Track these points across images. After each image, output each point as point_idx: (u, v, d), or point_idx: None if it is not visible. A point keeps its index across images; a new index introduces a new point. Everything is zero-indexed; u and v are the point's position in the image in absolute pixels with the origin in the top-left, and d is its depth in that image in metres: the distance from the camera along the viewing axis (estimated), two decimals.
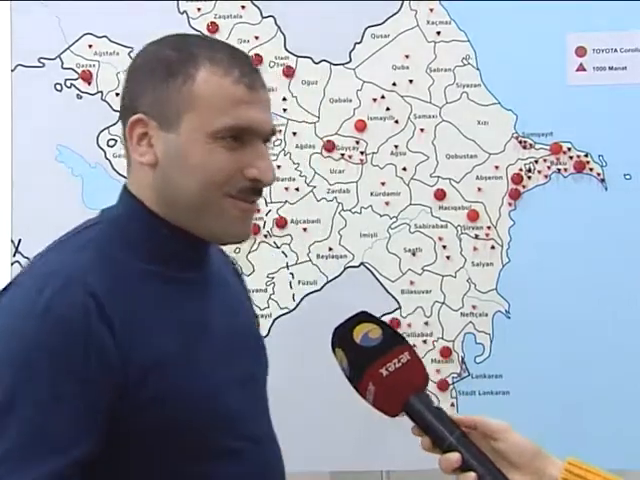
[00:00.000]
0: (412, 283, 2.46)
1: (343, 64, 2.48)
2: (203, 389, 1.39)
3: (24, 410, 1.26)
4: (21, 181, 2.47)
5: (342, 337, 1.33)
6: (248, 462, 1.45)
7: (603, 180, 2.44)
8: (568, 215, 2.45)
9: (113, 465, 1.34)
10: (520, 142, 2.46)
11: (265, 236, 2.48)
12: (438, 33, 2.47)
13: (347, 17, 2.47)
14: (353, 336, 1.32)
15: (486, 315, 2.46)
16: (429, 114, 2.47)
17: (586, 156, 2.45)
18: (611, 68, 2.44)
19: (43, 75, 2.48)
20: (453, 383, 2.46)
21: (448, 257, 2.47)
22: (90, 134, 2.46)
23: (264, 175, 1.41)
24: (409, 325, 2.46)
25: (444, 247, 2.47)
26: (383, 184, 2.48)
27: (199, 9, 2.49)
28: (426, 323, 2.46)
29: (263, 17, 2.49)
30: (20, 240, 2.44)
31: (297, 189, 2.48)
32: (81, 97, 2.49)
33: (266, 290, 2.48)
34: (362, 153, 2.47)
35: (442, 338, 2.46)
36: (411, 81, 2.47)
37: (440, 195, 2.46)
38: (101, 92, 2.48)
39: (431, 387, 2.42)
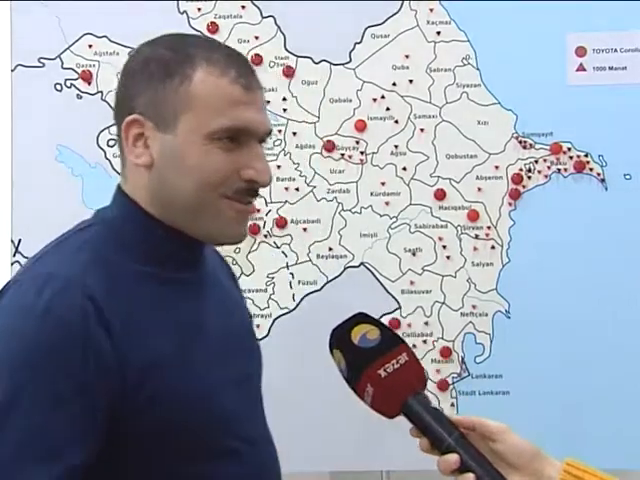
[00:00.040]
0: (412, 283, 2.46)
1: (343, 64, 2.48)
2: (198, 390, 1.39)
3: (23, 411, 1.26)
4: (21, 181, 2.47)
5: (340, 338, 1.33)
6: (244, 463, 1.45)
7: (603, 180, 2.44)
8: (568, 215, 2.45)
9: (112, 466, 1.34)
10: (520, 142, 2.46)
11: (265, 236, 2.48)
12: (438, 33, 2.47)
13: (347, 17, 2.47)
14: (351, 337, 1.32)
15: (486, 315, 2.46)
16: (429, 114, 2.47)
17: (586, 156, 2.45)
18: (611, 68, 2.44)
19: (43, 75, 2.48)
20: (453, 383, 2.46)
21: (448, 257, 2.47)
22: (90, 134, 2.46)
23: (260, 176, 1.41)
24: (409, 325, 2.46)
25: (444, 247, 2.47)
26: (383, 184, 2.47)
27: (199, 9, 2.49)
28: (426, 323, 2.46)
29: (263, 17, 2.49)
30: (20, 240, 2.44)
31: (297, 189, 2.48)
32: (81, 97, 2.49)
33: (266, 290, 2.48)
34: (362, 153, 2.47)
35: (442, 338, 2.46)
36: (411, 81, 2.47)
37: (440, 195, 2.46)
38: (101, 92, 2.48)
39: (431, 387, 2.43)
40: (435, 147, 2.47)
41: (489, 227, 2.46)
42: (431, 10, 2.47)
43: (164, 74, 1.39)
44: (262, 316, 2.47)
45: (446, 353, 2.45)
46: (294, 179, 2.48)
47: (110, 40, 2.48)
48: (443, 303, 2.46)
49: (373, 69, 2.48)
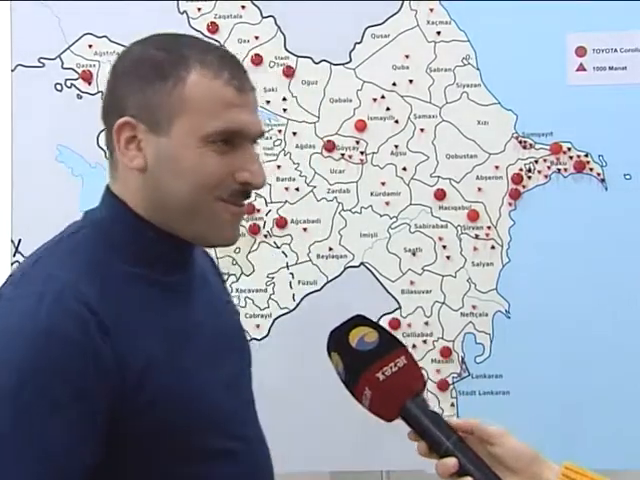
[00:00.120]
0: (412, 283, 2.46)
1: (343, 64, 2.48)
2: (189, 391, 1.39)
3: (22, 415, 1.26)
4: (21, 181, 2.47)
5: (338, 341, 1.33)
6: (240, 462, 1.46)
7: (603, 180, 2.44)
8: (568, 215, 2.44)
9: (112, 466, 1.34)
10: (520, 142, 2.45)
11: (265, 236, 2.48)
12: (438, 33, 2.47)
13: (347, 17, 2.46)
14: (349, 340, 1.32)
15: (486, 315, 2.46)
16: (429, 114, 2.47)
17: (586, 156, 2.44)
18: (611, 68, 2.44)
19: (43, 75, 2.48)
20: (453, 383, 2.46)
21: (448, 257, 2.47)
22: (90, 134, 2.45)
23: (255, 178, 1.41)
24: (409, 325, 2.46)
25: (444, 247, 2.46)
26: (383, 184, 2.47)
27: (199, 9, 2.49)
28: (426, 323, 2.46)
29: (263, 17, 2.48)
30: (20, 240, 2.44)
31: (297, 189, 2.48)
32: (81, 97, 2.49)
33: (266, 290, 2.48)
34: (362, 153, 2.47)
35: (442, 338, 2.46)
36: (411, 81, 2.47)
37: (440, 195, 2.46)
38: (101, 92, 2.40)
39: (431, 387, 2.43)
40: (435, 147, 2.47)
41: (489, 227, 2.46)
42: (431, 10, 2.46)
43: (157, 76, 1.38)
44: (262, 316, 2.47)
45: (446, 353, 2.45)
46: (294, 179, 2.48)
47: (110, 40, 2.47)
48: (443, 303, 2.46)
49: (373, 69, 2.47)
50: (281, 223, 2.47)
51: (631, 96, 2.43)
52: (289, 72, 2.48)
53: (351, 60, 2.48)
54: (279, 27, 2.48)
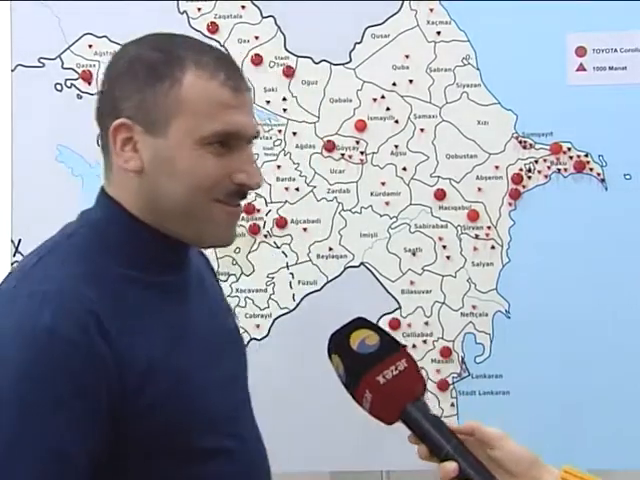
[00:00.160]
0: (412, 283, 2.46)
1: (343, 64, 2.48)
2: (187, 392, 1.39)
3: (25, 413, 1.26)
4: (21, 181, 2.47)
5: (338, 343, 1.33)
6: (236, 461, 1.46)
7: (603, 180, 2.44)
8: (568, 215, 2.44)
9: (112, 466, 1.34)
10: (520, 142, 2.45)
11: (265, 236, 2.48)
12: (438, 33, 2.46)
13: (347, 17, 2.46)
14: (350, 342, 1.32)
15: (486, 315, 2.46)
16: (429, 114, 2.47)
17: (586, 156, 2.44)
18: (611, 68, 2.43)
19: (43, 75, 2.47)
20: (453, 383, 2.46)
21: (448, 257, 2.47)
22: (90, 134, 2.38)
23: (252, 179, 1.41)
24: (409, 325, 2.46)
25: (444, 247, 2.46)
26: (383, 184, 2.47)
27: (199, 9, 2.48)
28: (426, 323, 2.46)
29: (263, 17, 2.48)
30: (20, 240, 2.44)
31: (297, 189, 2.48)
32: (81, 97, 2.49)
33: (266, 290, 2.48)
34: (362, 153, 2.47)
35: (442, 338, 2.46)
36: (411, 81, 2.47)
37: (440, 195, 2.46)
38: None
39: (431, 387, 2.43)
40: (435, 147, 2.47)
41: (489, 227, 2.46)
42: (431, 10, 2.46)
43: (153, 77, 1.37)
44: (262, 316, 2.47)
45: (446, 353, 2.45)
46: (294, 179, 2.48)
47: (110, 40, 2.47)
48: (443, 303, 2.46)
49: (373, 69, 2.47)
50: (281, 223, 2.47)
51: (631, 96, 2.43)
52: (289, 72, 2.48)
53: (351, 60, 2.48)
54: (279, 27, 2.48)
